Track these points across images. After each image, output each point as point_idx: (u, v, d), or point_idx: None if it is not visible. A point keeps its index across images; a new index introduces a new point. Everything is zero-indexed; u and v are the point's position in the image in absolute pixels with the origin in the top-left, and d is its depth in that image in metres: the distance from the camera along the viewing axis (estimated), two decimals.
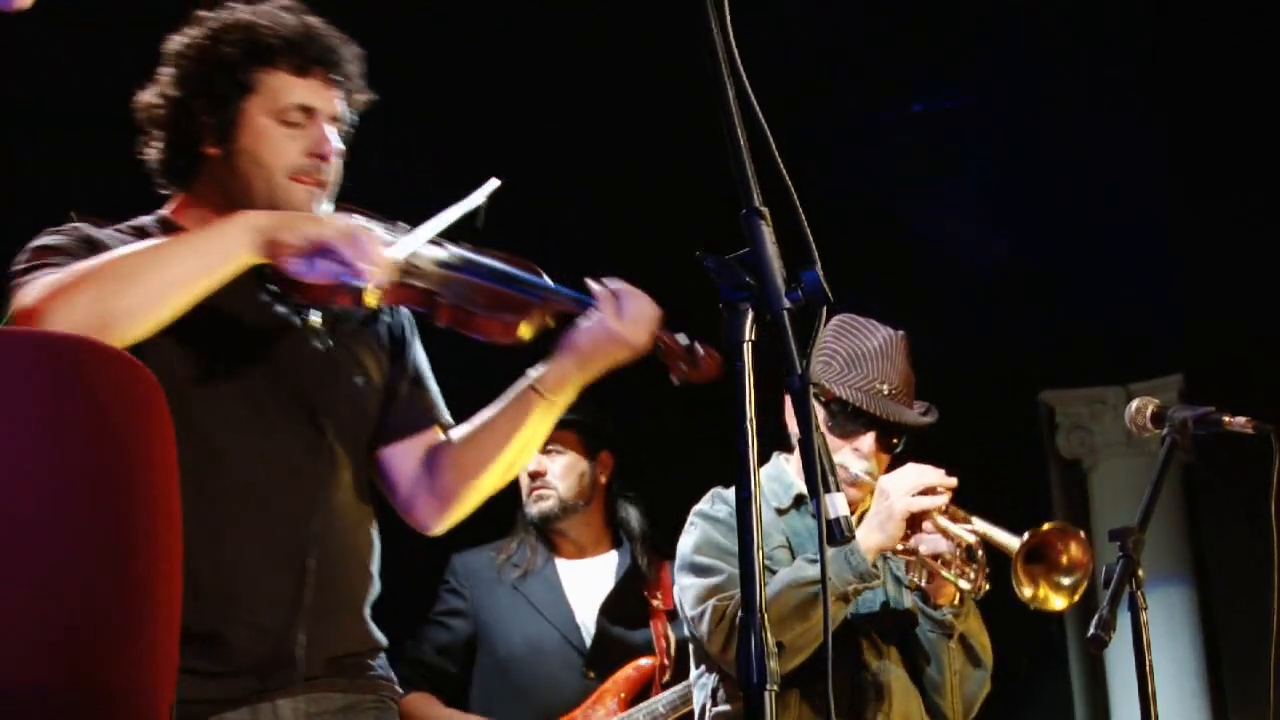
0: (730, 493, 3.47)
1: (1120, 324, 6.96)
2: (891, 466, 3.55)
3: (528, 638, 4.65)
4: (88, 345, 1.32)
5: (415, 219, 2.68)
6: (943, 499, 3.36)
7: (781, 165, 1.89)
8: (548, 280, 2.67)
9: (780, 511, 3.56)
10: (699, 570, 3.46)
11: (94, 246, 2.47)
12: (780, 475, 3.63)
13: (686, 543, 3.52)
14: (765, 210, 1.88)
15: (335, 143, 2.60)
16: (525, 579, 4.71)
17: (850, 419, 3.49)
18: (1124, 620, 3.20)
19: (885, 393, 3.48)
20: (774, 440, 3.66)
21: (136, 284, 2.31)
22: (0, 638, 1.17)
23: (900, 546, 3.37)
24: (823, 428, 3.47)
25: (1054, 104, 6.19)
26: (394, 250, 2.50)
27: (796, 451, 3.60)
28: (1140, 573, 3.21)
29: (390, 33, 2.76)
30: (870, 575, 3.30)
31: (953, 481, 3.40)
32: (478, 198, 2.68)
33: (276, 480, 2.52)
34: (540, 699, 4.57)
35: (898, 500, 3.32)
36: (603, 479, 4.85)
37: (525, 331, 2.63)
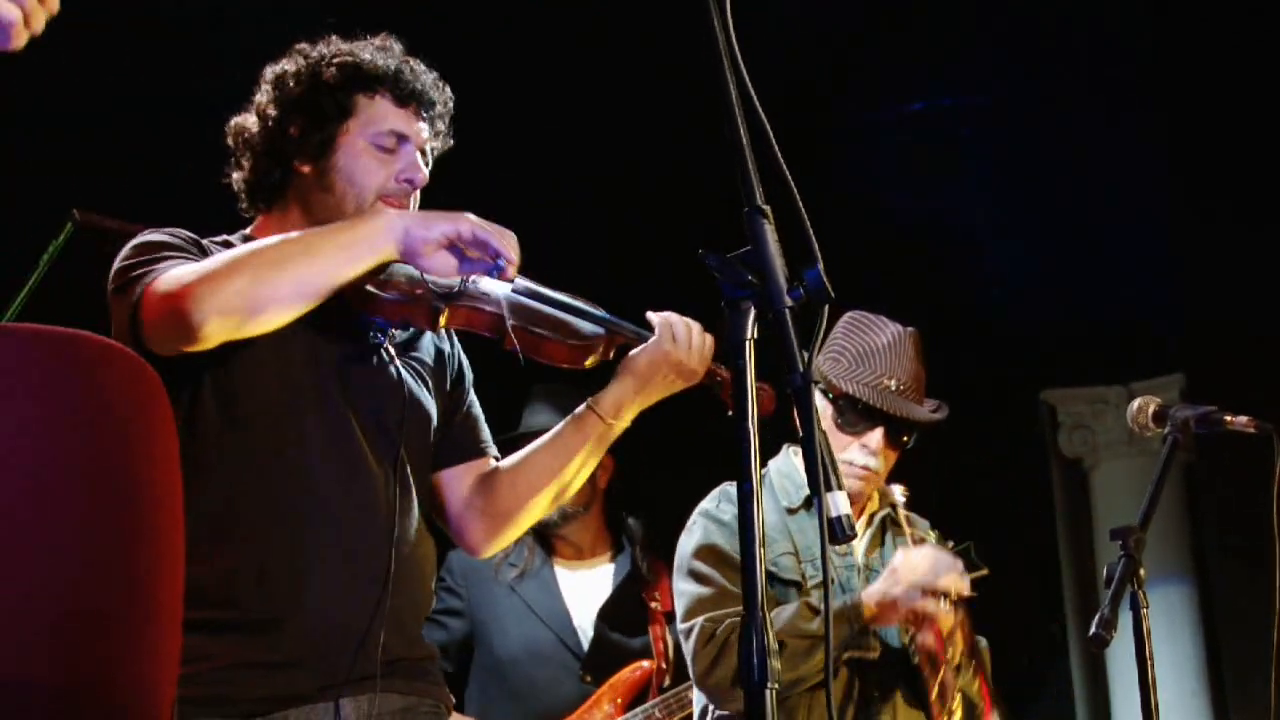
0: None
1: (1121, 323, 6.96)
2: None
3: (524, 640, 4.63)
4: (88, 341, 1.32)
5: None
6: (946, 613, 3.33)
7: (783, 163, 1.89)
8: (615, 315, 2.74)
9: (790, 511, 3.55)
10: (695, 577, 3.45)
11: (201, 249, 2.57)
12: (792, 472, 3.61)
13: (687, 544, 3.52)
14: (767, 209, 1.88)
15: (425, 171, 2.69)
16: (522, 580, 4.70)
17: (858, 414, 3.49)
18: (1125, 619, 3.20)
19: (893, 389, 3.49)
20: (785, 433, 3.64)
21: (286, 272, 2.40)
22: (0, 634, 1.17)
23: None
24: (832, 424, 3.49)
25: (1056, 104, 6.19)
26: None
27: None
28: (1142, 572, 3.21)
29: (390, 33, 2.79)
30: (867, 646, 3.35)
31: (965, 588, 3.37)
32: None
33: (359, 492, 2.58)
34: (537, 701, 4.56)
35: (904, 594, 3.30)
36: (602, 483, 4.84)
37: (589, 359, 2.71)
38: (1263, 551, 3.44)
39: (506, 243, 2.50)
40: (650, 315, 2.74)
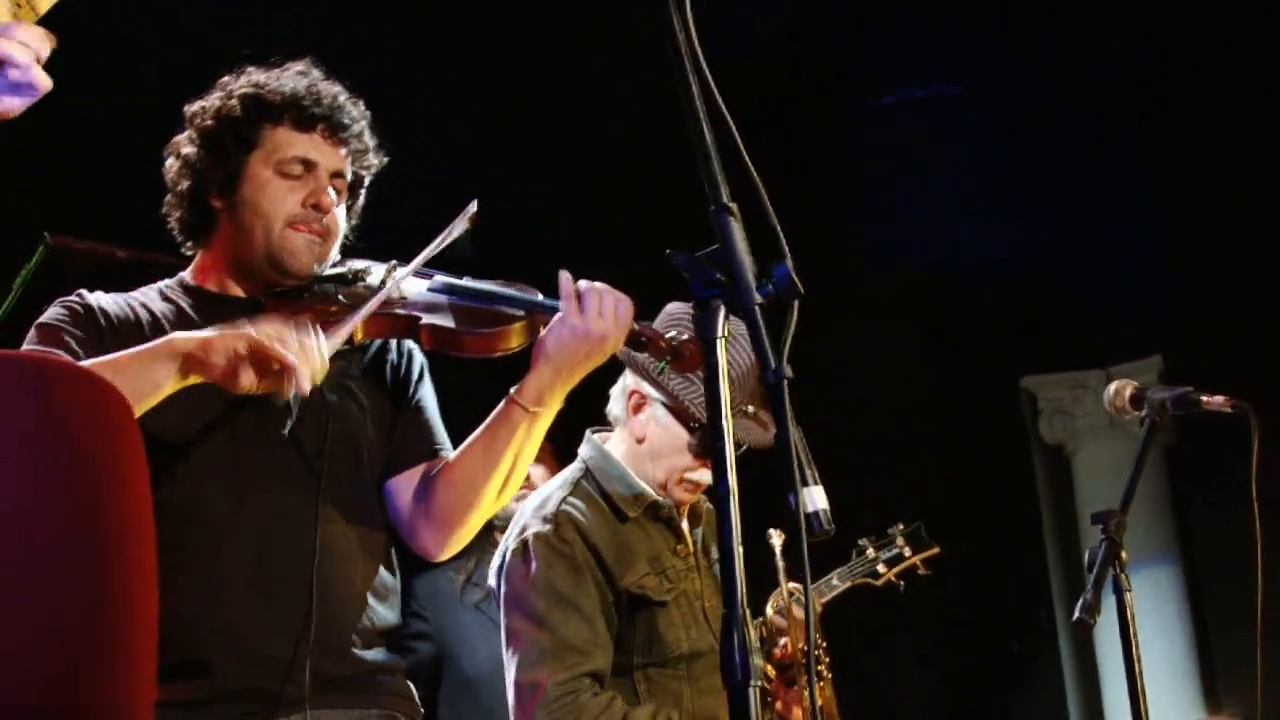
0: (575, 509, 3.29)
1: (1099, 307, 6.99)
2: None
3: (493, 658, 4.63)
4: (56, 365, 1.32)
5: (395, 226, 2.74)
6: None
7: (748, 160, 1.90)
8: (535, 295, 2.68)
9: (632, 519, 3.36)
10: (531, 617, 3.22)
11: (95, 323, 2.57)
12: (623, 475, 3.40)
13: (521, 570, 3.26)
14: (733, 206, 1.89)
15: (332, 195, 2.70)
16: (488, 600, 4.69)
17: None
18: (1111, 602, 3.20)
19: (749, 413, 3.27)
20: (590, 419, 3.50)
21: None
22: None
23: None
24: (684, 445, 3.35)
25: (1033, 91, 6.20)
26: (327, 342, 2.48)
27: (622, 438, 3.44)
28: (1124, 555, 3.22)
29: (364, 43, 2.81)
30: None
31: None
32: (459, 225, 2.71)
33: (269, 520, 2.57)
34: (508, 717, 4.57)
35: None
36: None
37: (510, 343, 2.65)
38: (1246, 529, 3.45)
39: (283, 358, 2.38)
40: (561, 279, 2.65)
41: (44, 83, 1.99)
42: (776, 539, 3.51)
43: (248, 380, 2.39)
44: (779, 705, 3.51)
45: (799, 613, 3.51)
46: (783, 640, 3.56)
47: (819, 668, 3.45)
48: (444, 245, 2.67)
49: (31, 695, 1.15)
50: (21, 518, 1.20)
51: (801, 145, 5.81)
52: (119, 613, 1.26)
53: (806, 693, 3.45)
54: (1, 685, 1.14)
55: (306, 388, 2.40)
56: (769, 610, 3.62)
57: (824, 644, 3.54)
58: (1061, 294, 6.97)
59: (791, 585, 3.54)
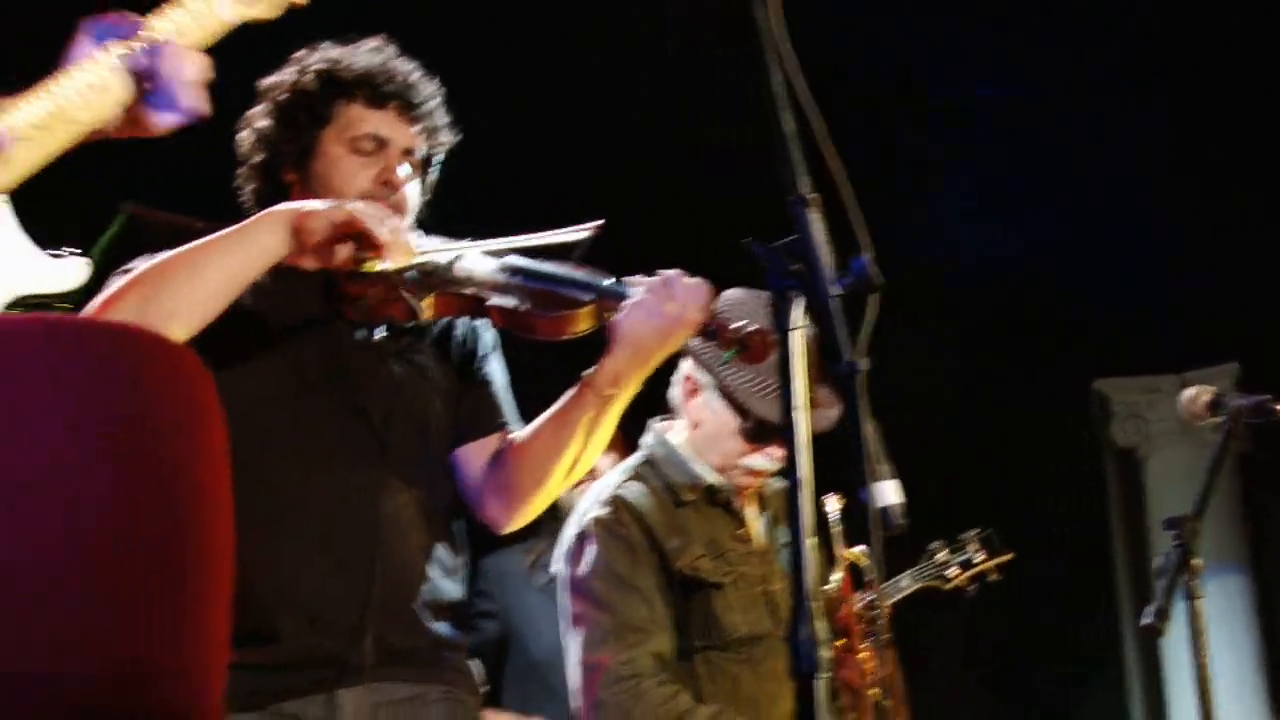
0: (632, 494, 3.34)
1: (1174, 311, 6.93)
2: None
3: (559, 641, 4.65)
4: (136, 334, 1.32)
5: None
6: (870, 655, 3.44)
7: (835, 154, 1.89)
8: (604, 279, 2.68)
9: (689, 504, 3.39)
10: (593, 600, 3.27)
11: None
12: (681, 462, 3.44)
13: (581, 556, 3.32)
14: (812, 197, 1.87)
15: (403, 172, 2.72)
16: (555, 583, 4.72)
17: (770, 431, 3.30)
18: (1181, 609, 3.17)
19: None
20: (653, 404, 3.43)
21: (177, 286, 2.42)
22: (46, 623, 1.18)
23: None
24: (735, 432, 3.36)
25: (1106, 94, 6.16)
26: (415, 239, 2.61)
27: (683, 424, 3.46)
28: (1195, 561, 3.18)
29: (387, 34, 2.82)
30: None
31: None
32: (580, 234, 2.71)
33: (335, 490, 2.60)
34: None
35: None
36: None
37: (578, 326, 2.65)
38: None
39: (377, 229, 2.48)
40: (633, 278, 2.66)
41: (203, 105, 2.05)
42: (833, 504, 3.49)
43: (343, 254, 2.48)
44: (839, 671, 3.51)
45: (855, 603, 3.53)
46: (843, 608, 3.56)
47: (884, 636, 3.44)
48: (555, 243, 2.69)
49: (102, 666, 1.16)
50: (93, 487, 1.21)
51: (863, 144, 5.79)
52: (193, 583, 1.27)
53: (862, 658, 3.50)
54: (69, 656, 1.16)
55: (397, 259, 2.50)
56: (832, 581, 3.60)
57: (889, 612, 3.52)
58: (1137, 298, 6.91)
59: (850, 552, 3.53)
